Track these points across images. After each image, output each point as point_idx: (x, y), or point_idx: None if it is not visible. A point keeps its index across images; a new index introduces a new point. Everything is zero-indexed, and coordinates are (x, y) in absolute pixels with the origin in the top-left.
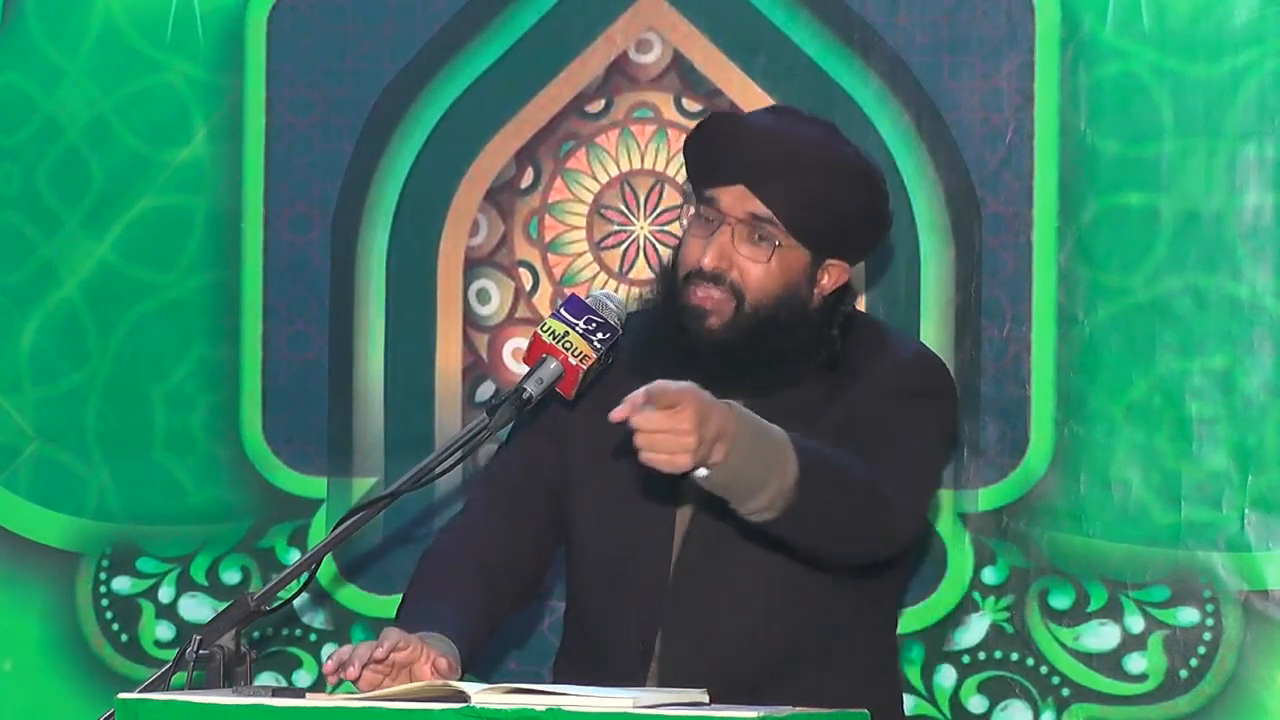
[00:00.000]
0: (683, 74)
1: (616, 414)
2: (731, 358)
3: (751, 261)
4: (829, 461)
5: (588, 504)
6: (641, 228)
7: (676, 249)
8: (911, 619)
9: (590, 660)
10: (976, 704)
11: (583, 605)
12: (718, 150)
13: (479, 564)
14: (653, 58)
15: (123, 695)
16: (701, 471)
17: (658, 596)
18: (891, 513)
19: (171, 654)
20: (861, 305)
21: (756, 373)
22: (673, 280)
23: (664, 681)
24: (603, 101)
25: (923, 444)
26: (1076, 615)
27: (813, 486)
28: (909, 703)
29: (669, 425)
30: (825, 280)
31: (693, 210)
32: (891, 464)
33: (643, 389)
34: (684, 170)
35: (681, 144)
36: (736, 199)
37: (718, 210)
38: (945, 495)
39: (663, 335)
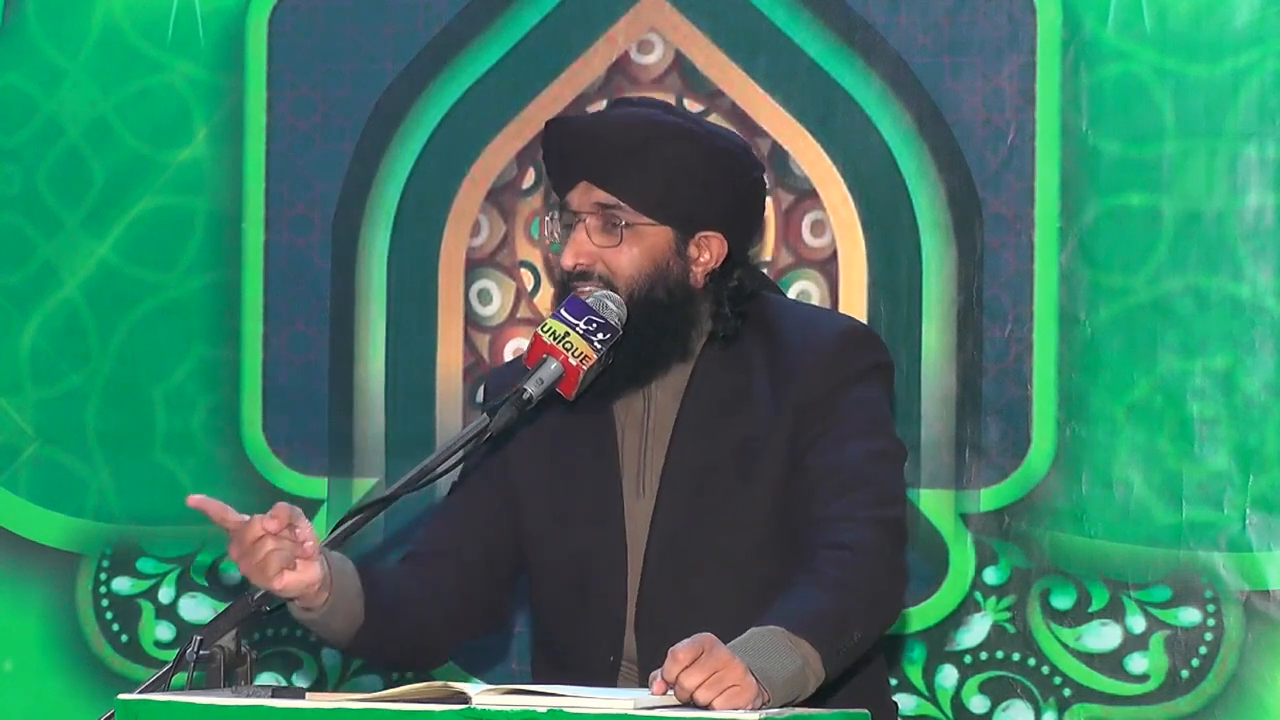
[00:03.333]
0: (684, 75)
1: (657, 690)
2: (621, 344)
3: (608, 249)
4: (829, 609)
5: (541, 527)
6: None
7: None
8: (913, 619)
9: (560, 679)
10: (978, 704)
11: (548, 626)
12: (556, 157)
13: (421, 578)
14: (654, 58)
15: (123, 696)
16: (753, 715)
17: (622, 607)
18: (892, 564)
19: (171, 654)
20: (863, 305)
21: (647, 353)
22: (561, 291)
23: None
24: (604, 102)
25: (881, 429)
26: (1078, 615)
27: (836, 643)
28: (910, 703)
29: (710, 669)
30: (702, 256)
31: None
32: (864, 482)
33: (661, 671)
34: None
35: None
36: (582, 195)
37: (571, 212)
38: (947, 496)
39: None
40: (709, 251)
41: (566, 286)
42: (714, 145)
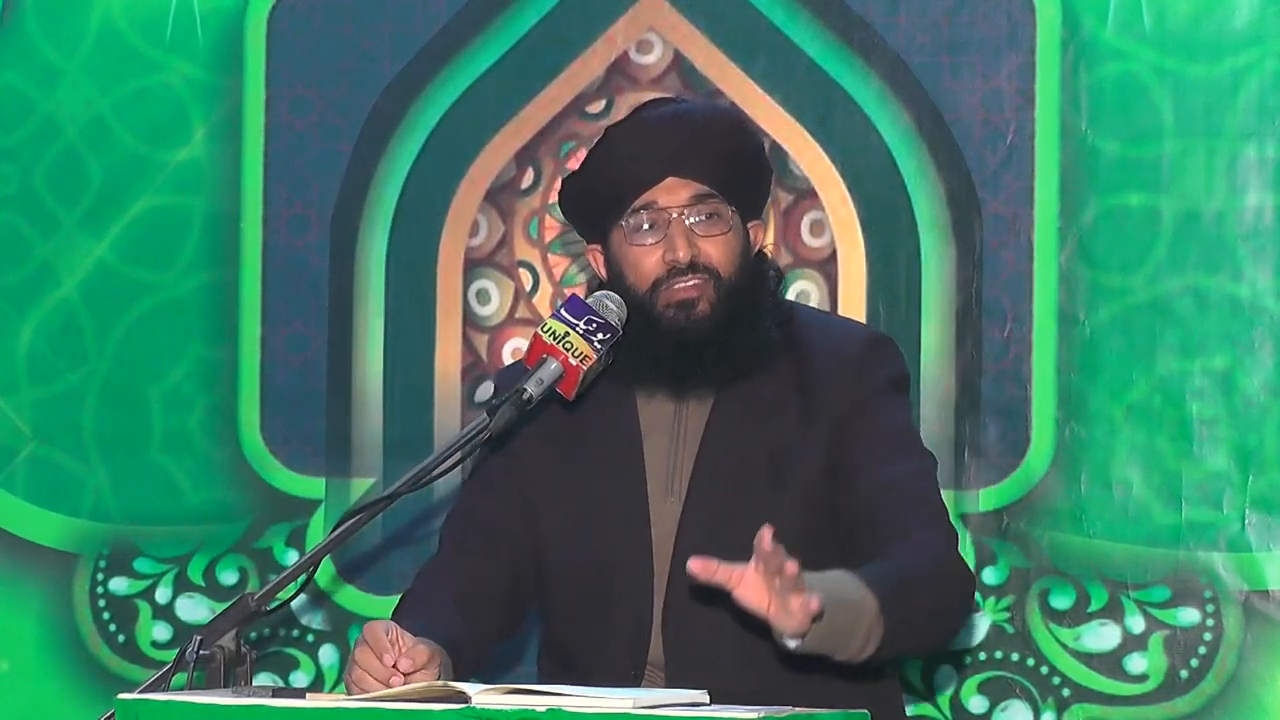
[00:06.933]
0: (683, 75)
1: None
2: (724, 337)
3: (713, 237)
4: (897, 571)
5: (562, 529)
6: None
7: (603, 283)
8: None
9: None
10: (977, 704)
11: (565, 632)
12: (632, 159)
13: (455, 599)
14: (653, 58)
15: (123, 695)
16: (792, 643)
17: (649, 610)
18: (961, 565)
19: (168, 655)
20: (862, 305)
21: (744, 350)
22: (636, 298)
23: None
24: (603, 102)
25: (915, 444)
26: (1077, 615)
27: (896, 604)
28: (908, 703)
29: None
30: (755, 242)
31: (595, 244)
32: (916, 500)
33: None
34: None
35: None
36: (672, 190)
37: (659, 210)
38: (945, 496)
39: (638, 348)
40: (757, 237)
41: (656, 288)
42: (758, 135)
